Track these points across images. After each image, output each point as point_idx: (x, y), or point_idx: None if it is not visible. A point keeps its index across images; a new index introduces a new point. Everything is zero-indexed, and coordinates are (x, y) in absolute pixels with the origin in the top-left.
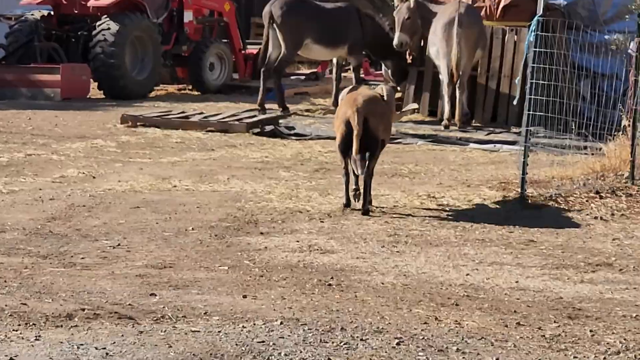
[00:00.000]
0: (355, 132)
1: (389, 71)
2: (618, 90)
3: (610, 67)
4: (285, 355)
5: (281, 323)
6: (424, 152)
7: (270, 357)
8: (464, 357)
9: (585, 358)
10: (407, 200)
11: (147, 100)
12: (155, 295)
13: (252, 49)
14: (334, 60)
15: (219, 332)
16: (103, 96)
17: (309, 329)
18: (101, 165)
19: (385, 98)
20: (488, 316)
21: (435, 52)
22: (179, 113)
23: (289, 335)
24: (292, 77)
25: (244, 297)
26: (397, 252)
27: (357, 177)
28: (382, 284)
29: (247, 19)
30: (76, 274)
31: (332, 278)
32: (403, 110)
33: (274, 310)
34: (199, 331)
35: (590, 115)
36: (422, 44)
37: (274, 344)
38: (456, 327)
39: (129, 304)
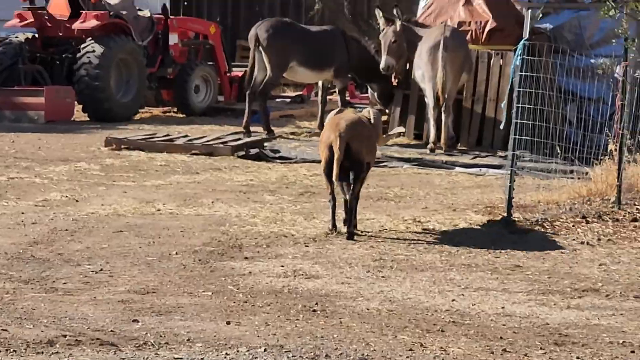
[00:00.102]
0: (335, 157)
1: (375, 94)
2: (604, 114)
3: (597, 92)
4: None
5: (265, 350)
6: (410, 175)
7: None
8: None
9: None
10: (392, 224)
11: (131, 122)
12: (138, 321)
13: (237, 72)
14: (320, 83)
15: (202, 359)
16: (87, 119)
17: (293, 356)
18: (84, 188)
19: (372, 121)
20: (474, 342)
21: (420, 75)
22: (163, 136)
23: None
24: (277, 100)
25: (228, 323)
26: (383, 277)
27: (346, 201)
28: (367, 309)
29: (232, 41)
30: (58, 299)
31: (316, 304)
32: (389, 133)
33: (258, 336)
34: (181, 358)
35: (576, 139)
36: (407, 67)
37: None
38: (442, 353)
39: (111, 330)
